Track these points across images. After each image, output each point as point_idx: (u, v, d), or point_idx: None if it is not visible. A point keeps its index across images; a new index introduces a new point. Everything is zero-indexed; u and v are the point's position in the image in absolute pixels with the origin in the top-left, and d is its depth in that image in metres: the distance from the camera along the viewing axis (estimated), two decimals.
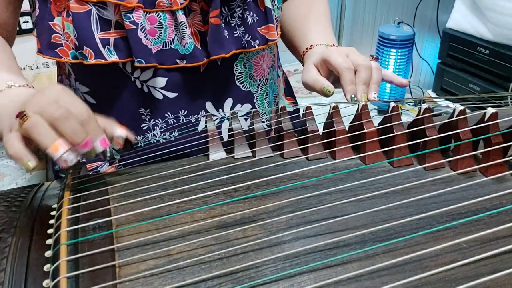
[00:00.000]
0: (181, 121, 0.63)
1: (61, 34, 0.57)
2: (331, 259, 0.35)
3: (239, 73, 0.65)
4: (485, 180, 0.45)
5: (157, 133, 0.63)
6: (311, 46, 0.68)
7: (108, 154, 0.43)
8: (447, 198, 0.42)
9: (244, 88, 0.66)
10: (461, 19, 1.89)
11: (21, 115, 0.40)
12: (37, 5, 0.57)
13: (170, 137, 0.64)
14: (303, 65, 0.69)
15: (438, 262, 0.35)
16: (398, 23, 2.11)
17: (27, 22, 1.93)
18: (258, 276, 0.34)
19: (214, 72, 0.62)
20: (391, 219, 0.39)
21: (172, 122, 0.63)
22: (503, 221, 0.39)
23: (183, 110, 0.63)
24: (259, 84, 0.68)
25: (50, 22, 0.56)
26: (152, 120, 0.63)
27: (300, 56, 0.71)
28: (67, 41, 0.56)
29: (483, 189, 0.44)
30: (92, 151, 0.42)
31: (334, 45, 0.68)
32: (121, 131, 0.46)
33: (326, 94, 0.61)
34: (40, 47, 0.59)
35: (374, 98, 0.58)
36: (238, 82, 0.65)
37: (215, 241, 0.37)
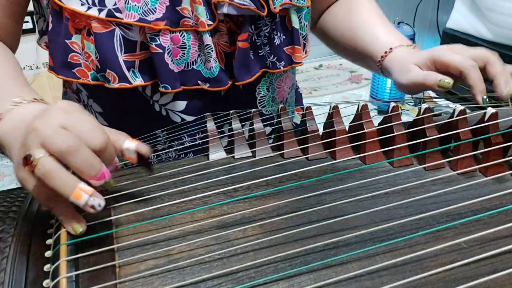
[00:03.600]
0: (197, 144, 0.60)
1: (79, 54, 0.53)
2: (331, 259, 0.35)
3: (261, 96, 0.62)
4: (485, 180, 0.45)
5: (172, 155, 0.61)
6: (390, 49, 0.62)
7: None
8: (447, 198, 0.42)
9: (266, 111, 0.63)
10: (461, 19, 1.89)
11: (28, 163, 0.35)
12: (50, 18, 0.53)
13: (185, 160, 0.61)
14: (381, 71, 0.64)
15: (438, 262, 0.35)
16: (398, 23, 2.11)
17: (27, 22, 1.93)
18: (258, 276, 0.34)
19: (235, 96, 0.59)
20: (391, 219, 0.39)
21: (188, 145, 0.60)
22: (503, 221, 0.39)
23: (200, 133, 0.60)
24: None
25: (67, 41, 0.52)
26: (168, 142, 0.60)
27: (376, 62, 0.64)
28: (86, 61, 0.53)
29: (483, 189, 0.44)
30: (110, 181, 0.38)
31: (412, 45, 0.63)
32: (129, 144, 0.41)
33: (445, 87, 0.54)
34: (52, 65, 0.55)
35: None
36: (260, 106, 0.62)
37: (215, 241, 0.37)
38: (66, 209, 0.37)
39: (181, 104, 0.58)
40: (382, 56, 0.63)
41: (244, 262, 0.35)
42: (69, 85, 0.62)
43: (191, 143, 0.61)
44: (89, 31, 0.51)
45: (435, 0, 2.16)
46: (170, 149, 0.61)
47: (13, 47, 0.60)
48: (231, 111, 0.52)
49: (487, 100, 0.52)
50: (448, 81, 0.53)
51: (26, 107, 0.44)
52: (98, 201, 0.36)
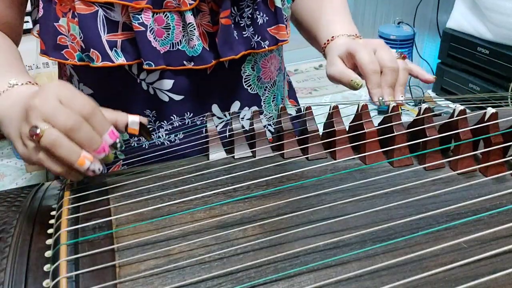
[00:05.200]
0: (186, 123, 0.62)
1: (66, 36, 0.56)
2: (331, 259, 0.35)
3: (246, 75, 0.64)
4: (485, 180, 0.45)
5: (162, 135, 0.63)
6: (332, 37, 0.66)
7: (119, 145, 0.43)
8: (447, 198, 0.42)
9: (252, 91, 0.65)
10: (461, 19, 1.89)
11: (34, 133, 0.39)
12: (41, 5, 0.56)
13: (175, 139, 0.63)
14: (325, 57, 0.67)
15: (438, 262, 0.35)
16: (398, 23, 2.11)
17: (27, 22, 1.93)
18: (258, 276, 0.34)
19: (221, 75, 0.61)
20: (391, 219, 0.39)
21: (177, 124, 0.62)
22: (503, 221, 0.39)
23: (189, 113, 0.62)
24: (266, 87, 0.67)
25: (55, 24, 0.55)
26: (158, 122, 0.62)
27: (321, 48, 0.68)
28: (72, 43, 0.55)
29: (483, 189, 0.44)
30: (109, 155, 0.42)
31: (356, 35, 0.67)
32: (134, 117, 0.46)
33: (354, 87, 0.59)
34: (44, 48, 0.58)
35: (402, 101, 0.57)
36: (245, 85, 0.64)
37: (215, 241, 0.37)
38: (71, 170, 0.42)
39: (168, 83, 0.59)
40: (325, 44, 0.67)
41: (244, 262, 0.35)
42: (64, 72, 0.65)
43: (180, 123, 0.62)
44: (74, 13, 0.53)
45: (435, 0, 2.15)
46: (160, 129, 0.62)
47: (15, 40, 0.61)
48: (231, 111, 0.53)
49: (383, 100, 0.57)
50: (358, 82, 0.59)
51: (21, 88, 0.49)
52: (98, 166, 0.41)
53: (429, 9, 2.21)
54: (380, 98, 0.57)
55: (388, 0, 2.40)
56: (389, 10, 2.41)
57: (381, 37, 2.08)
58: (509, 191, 0.43)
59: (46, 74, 1.98)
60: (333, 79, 0.63)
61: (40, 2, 0.56)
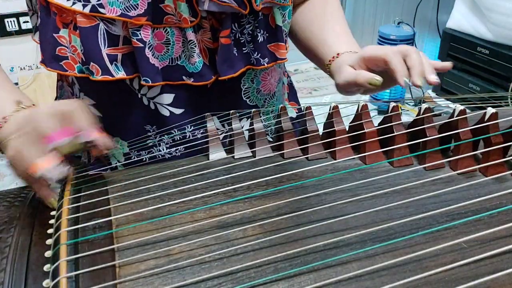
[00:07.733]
0: (187, 137, 0.62)
1: (66, 47, 0.55)
2: (331, 259, 0.35)
3: (246, 88, 0.63)
4: (485, 180, 0.45)
5: (163, 149, 0.62)
6: (338, 54, 0.64)
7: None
8: (447, 198, 0.42)
9: (251, 102, 0.65)
10: (461, 19, 1.90)
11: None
12: (39, 13, 0.55)
13: (176, 153, 0.63)
14: (328, 73, 0.66)
15: (438, 262, 0.35)
16: (398, 23, 2.11)
17: (27, 22, 1.93)
18: (258, 276, 0.34)
19: (221, 88, 0.61)
20: (391, 219, 0.39)
21: (178, 138, 0.62)
22: (503, 221, 0.39)
23: (189, 126, 0.62)
24: (266, 99, 0.67)
25: (54, 35, 0.54)
26: (158, 136, 0.61)
27: (325, 65, 0.67)
28: (73, 54, 0.55)
29: (483, 189, 0.44)
30: (64, 147, 0.43)
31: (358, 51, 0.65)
32: (86, 135, 0.44)
33: (374, 84, 0.55)
34: (43, 58, 0.57)
35: (436, 80, 0.52)
36: (244, 97, 0.64)
37: (215, 241, 0.37)
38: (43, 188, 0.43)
39: (169, 97, 0.59)
40: (329, 61, 0.65)
41: (244, 262, 0.35)
42: (66, 77, 0.64)
43: (181, 137, 0.62)
44: (76, 25, 0.52)
45: (435, 0, 2.16)
46: (161, 143, 0.62)
47: None
48: (231, 111, 0.53)
49: (409, 81, 0.53)
50: (377, 78, 0.55)
51: (27, 110, 0.47)
52: (53, 172, 0.41)
53: (429, 9, 2.22)
54: (406, 80, 0.53)
55: (388, 0, 2.40)
56: (389, 10, 2.41)
57: (381, 37, 2.08)
58: (509, 191, 0.43)
59: (46, 74, 1.98)
60: (346, 84, 0.59)
61: (38, 11, 0.55)
